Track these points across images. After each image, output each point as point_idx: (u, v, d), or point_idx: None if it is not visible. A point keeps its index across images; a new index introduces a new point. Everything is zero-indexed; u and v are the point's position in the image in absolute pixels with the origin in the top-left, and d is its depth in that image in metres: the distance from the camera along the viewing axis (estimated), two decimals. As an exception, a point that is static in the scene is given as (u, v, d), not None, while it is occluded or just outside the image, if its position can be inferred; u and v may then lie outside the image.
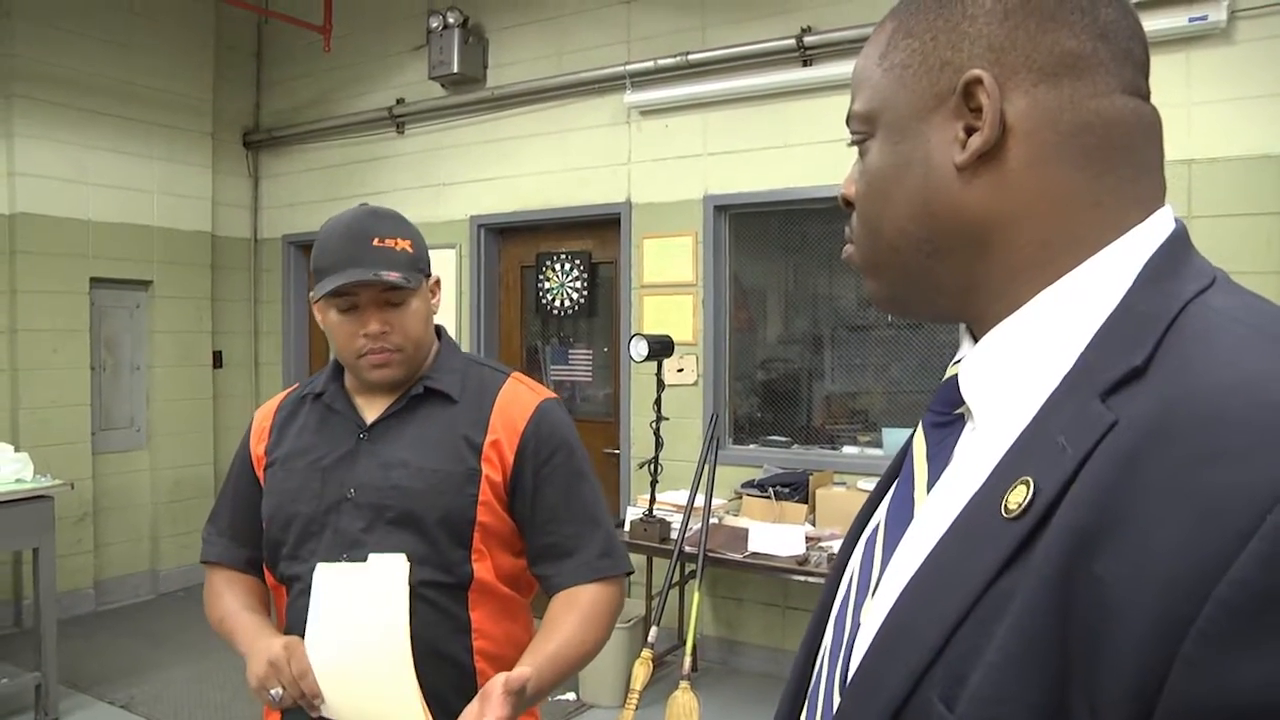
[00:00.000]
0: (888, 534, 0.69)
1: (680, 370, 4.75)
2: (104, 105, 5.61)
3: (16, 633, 5.16)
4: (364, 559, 1.51)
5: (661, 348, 4.19)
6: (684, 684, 3.61)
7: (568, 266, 5.36)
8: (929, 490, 0.67)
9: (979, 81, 0.62)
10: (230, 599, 1.64)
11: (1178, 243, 0.62)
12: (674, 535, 4.08)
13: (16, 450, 4.27)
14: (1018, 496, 0.55)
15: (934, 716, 0.54)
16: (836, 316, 4.75)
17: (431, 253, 5.68)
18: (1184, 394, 0.50)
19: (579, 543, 1.58)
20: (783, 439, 4.78)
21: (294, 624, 1.56)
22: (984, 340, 0.65)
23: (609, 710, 4.09)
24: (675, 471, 4.56)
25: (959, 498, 0.60)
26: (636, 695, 3.65)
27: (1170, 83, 3.70)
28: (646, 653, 3.77)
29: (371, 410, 1.61)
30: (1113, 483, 0.50)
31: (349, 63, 6.10)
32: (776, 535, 3.89)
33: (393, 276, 1.50)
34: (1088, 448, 0.52)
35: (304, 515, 1.57)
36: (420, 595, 1.49)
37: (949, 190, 0.64)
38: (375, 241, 1.52)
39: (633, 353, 4.17)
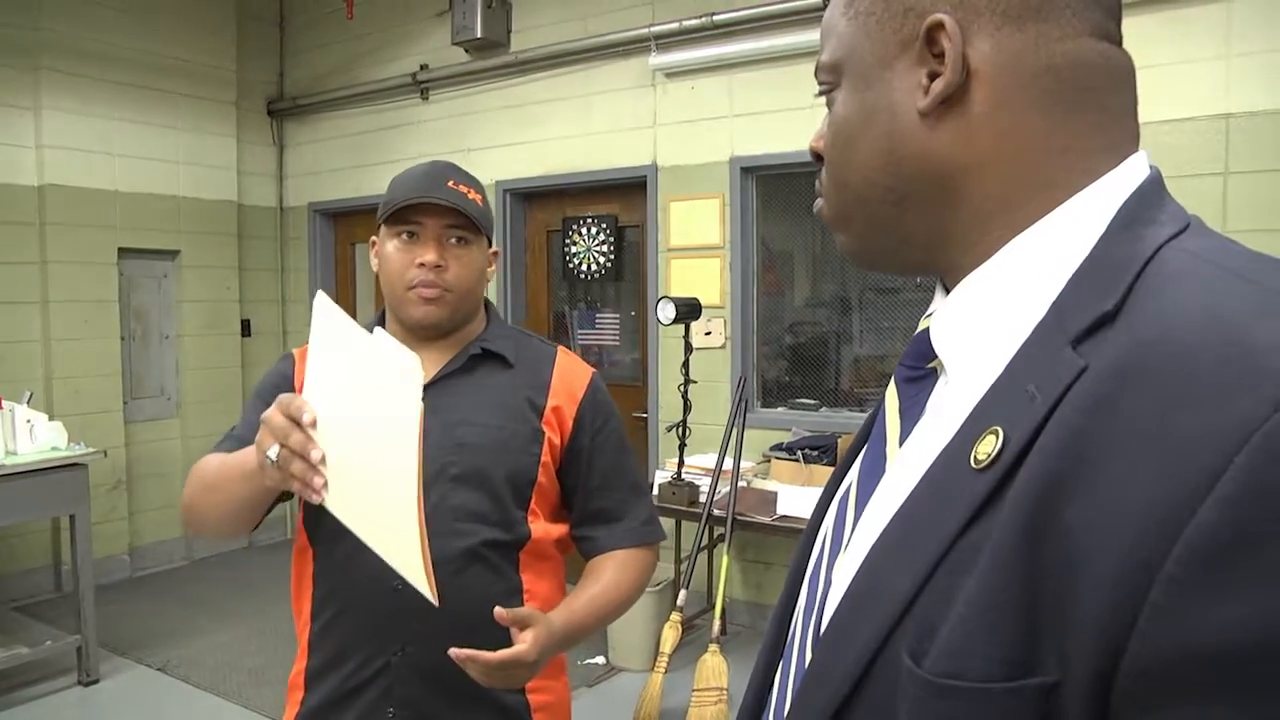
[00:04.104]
0: (860, 490, 0.68)
1: (708, 333, 4.73)
2: (130, 77, 5.62)
3: (57, 597, 5.25)
4: (427, 515, 1.38)
5: (689, 310, 4.16)
6: (713, 647, 3.62)
7: (594, 230, 5.34)
8: (901, 445, 0.66)
9: (941, 25, 0.61)
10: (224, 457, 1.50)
11: (1152, 188, 0.60)
12: (702, 499, 4.08)
13: (51, 419, 4.32)
14: (987, 447, 0.54)
15: (903, 671, 0.53)
16: (864, 279, 4.70)
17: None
18: (1154, 336, 0.49)
19: (626, 509, 1.64)
20: (811, 402, 4.76)
21: (334, 585, 1.53)
22: (954, 292, 0.64)
23: (638, 674, 4.12)
24: (703, 435, 4.55)
25: (930, 451, 0.60)
26: (665, 658, 3.67)
27: (1209, 35, 3.61)
28: (675, 616, 3.78)
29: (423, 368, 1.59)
30: (1081, 428, 0.49)
31: (372, 29, 6.07)
32: (805, 498, 3.88)
33: (463, 208, 1.53)
34: (1057, 395, 0.51)
35: None
36: (480, 556, 1.51)
37: (914, 137, 0.63)
38: (450, 183, 1.55)
39: (660, 316, 4.14)
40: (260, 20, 6.47)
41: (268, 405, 1.51)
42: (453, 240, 1.55)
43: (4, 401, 4.10)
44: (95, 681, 4.17)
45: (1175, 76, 3.62)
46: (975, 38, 0.61)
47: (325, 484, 1.21)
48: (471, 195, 1.56)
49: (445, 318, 1.57)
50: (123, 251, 5.64)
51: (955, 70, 0.60)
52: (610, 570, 1.59)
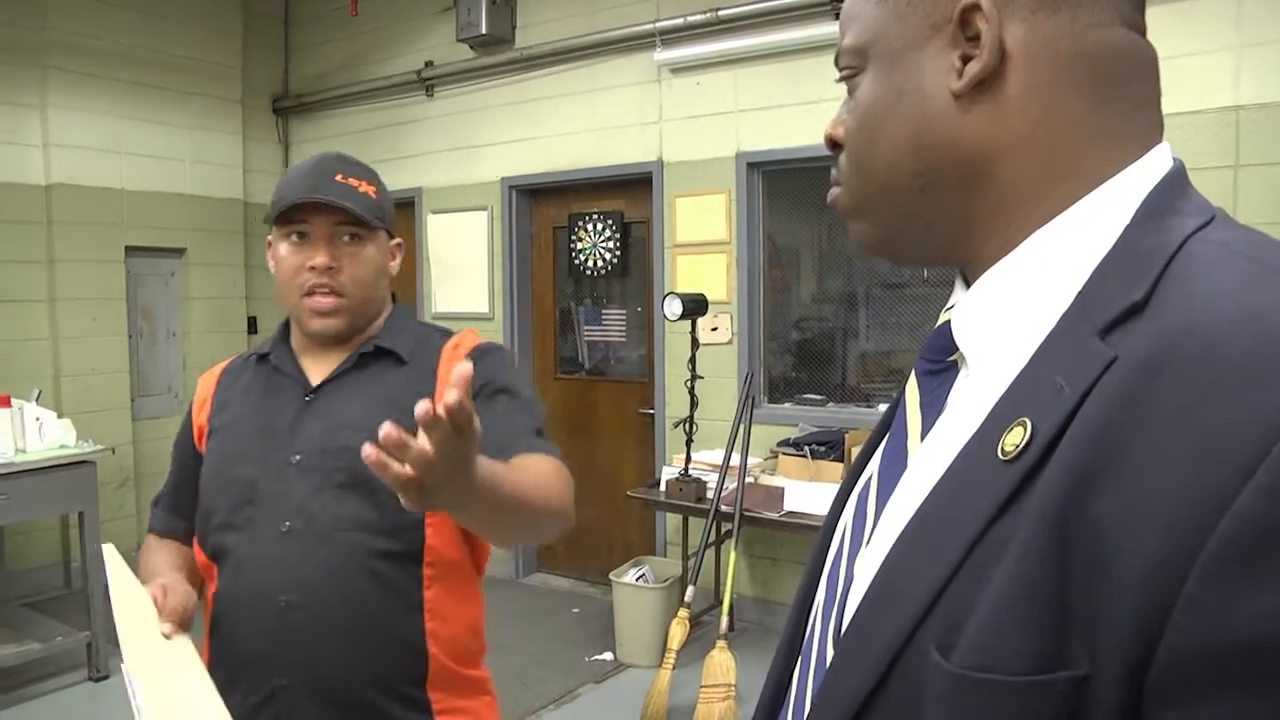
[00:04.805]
0: (881, 485, 0.68)
1: (714, 329, 4.73)
2: (136, 75, 5.62)
3: (66, 594, 5.27)
4: (309, 525, 1.42)
5: (695, 306, 4.16)
6: (721, 643, 3.62)
7: (600, 226, 5.34)
8: (923, 439, 0.65)
9: (977, 7, 0.61)
10: (159, 559, 1.55)
11: (1176, 179, 0.60)
12: (710, 495, 4.08)
13: (59, 417, 4.34)
14: (1014, 438, 0.54)
15: (929, 666, 0.53)
16: (871, 274, 4.69)
17: (463, 215, 5.67)
18: (1185, 327, 0.49)
19: (521, 446, 1.39)
20: (818, 397, 4.76)
21: (224, 605, 1.47)
22: (977, 283, 0.64)
23: (646, 670, 4.12)
24: (710, 431, 4.55)
25: (954, 444, 0.59)
26: (673, 655, 3.68)
27: (1218, 27, 3.59)
28: (683, 612, 3.78)
29: (319, 371, 1.54)
30: (1111, 420, 0.49)
31: (376, 26, 6.06)
32: (812, 494, 3.88)
33: (350, 206, 1.45)
34: (1086, 386, 0.51)
35: (242, 480, 1.48)
36: (372, 570, 1.41)
37: (945, 119, 0.63)
38: (338, 177, 1.48)
39: (666, 312, 4.15)
40: (265, 17, 6.47)
41: (181, 460, 1.63)
42: (345, 238, 1.48)
43: (13, 399, 4.11)
44: (105, 677, 4.18)
45: (1185, 68, 3.60)
46: (1009, 21, 0.61)
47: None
48: (363, 188, 1.49)
49: (345, 326, 1.50)
50: (130, 249, 5.65)
51: (992, 52, 0.60)
52: (517, 462, 1.31)
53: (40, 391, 4.41)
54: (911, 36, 0.64)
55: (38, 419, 4.16)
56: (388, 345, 1.53)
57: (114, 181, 5.54)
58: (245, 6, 6.21)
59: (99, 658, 4.17)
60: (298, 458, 1.46)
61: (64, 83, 5.30)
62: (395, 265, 1.59)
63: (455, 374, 0.91)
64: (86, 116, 5.41)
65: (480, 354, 1.52)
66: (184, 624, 1.36)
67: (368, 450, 0.89)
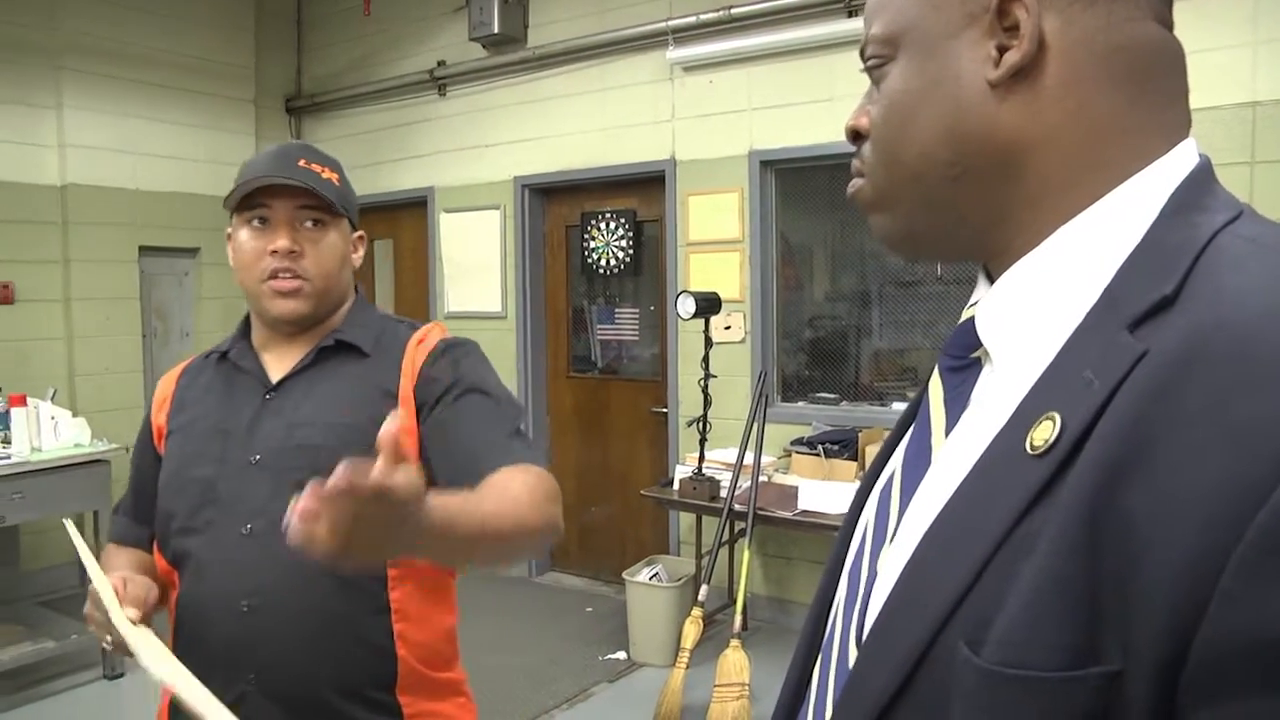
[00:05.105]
0: (904, 481, 0.67)
1: (728, 328, 4.72)
2: (149, 75, 5.65)
3: (81, 592, 5.25)
4: (270, 527, 1.32)
5: (708, 305, 4.16)
6: (734, 642, 3.61)
7: (613, 225, 5.33)
8: (947, 435, 0.65)
9: None
10: (121, 564, 1.50)
11: (1203, 175, 0.60)
12: (723, 494, 4.07)
13: (74, 416, 4.36)
14: (1043, 433, 0.53)
15: (958, 663, 0.52)
16: (884, 273, 4.67)
17: (476, 214, 5.65)
18: (1216, 321, 0.49)
19: (498, 454, 1.36)
20: (831, 396, 4.74)
21: (187, 611, 1.44)
22: (1003, 278, 0.63)
23: (660, 669, 4.11)
24: (724, 430, 4.54)
25: (980, 439, 0.59)
26: (687, 654, 3.67)
27: (1235, 22, 3.57)
28: (697, 611, 3.78)
29: (279, 368, 1.50)
30: (1142, 414, 0.48)
31: (389, 26, 6.08)
32: (826, 493, 3.87)
33: (313, 187, 1.43)
34: (1116, 380, 0.51)
35: (201, 481, 1.43)
36: (331, 571, 1.34)
37: (980, 109, 0.62)
38: (301, 163, 1.45)
39: (680, 310, 4.14)
40: (277, 17, 6.49)
41: (140, 465, 1.57)
42: (307, 224, 1.45)
43: (28, 399, 4.13)
44: (119, 676, 4.19)
45: (1201, 64, 3.54)
46: (1047, 13, 0.60)
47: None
48: (326, 174, 1.46)
49: (307, 311, 1.47)
50: (144, 249, 5.68)
51: (1032, 41, 0.60)
52: (488, 484, 1.26)
53: (55, 391, 4.43)
54: (947, 25, 0.64)
55: (53, 418, 4.18)
56: (349, 339, 1.50)
57: (128, 182, 5.57)
58: (258, 6, 6.24)
59: (114, 656, 4.18)
60: (257, 457, 1.43)
61: (78, 83, 5.34)
62: (358, 258, 1.57)
63: (380, 436, 0.85)
64: (101, 117, 5.44)
65: (446, 349, 1.49)
66: (145, 614, 1.33)
67: (292, 531, 0.84)
